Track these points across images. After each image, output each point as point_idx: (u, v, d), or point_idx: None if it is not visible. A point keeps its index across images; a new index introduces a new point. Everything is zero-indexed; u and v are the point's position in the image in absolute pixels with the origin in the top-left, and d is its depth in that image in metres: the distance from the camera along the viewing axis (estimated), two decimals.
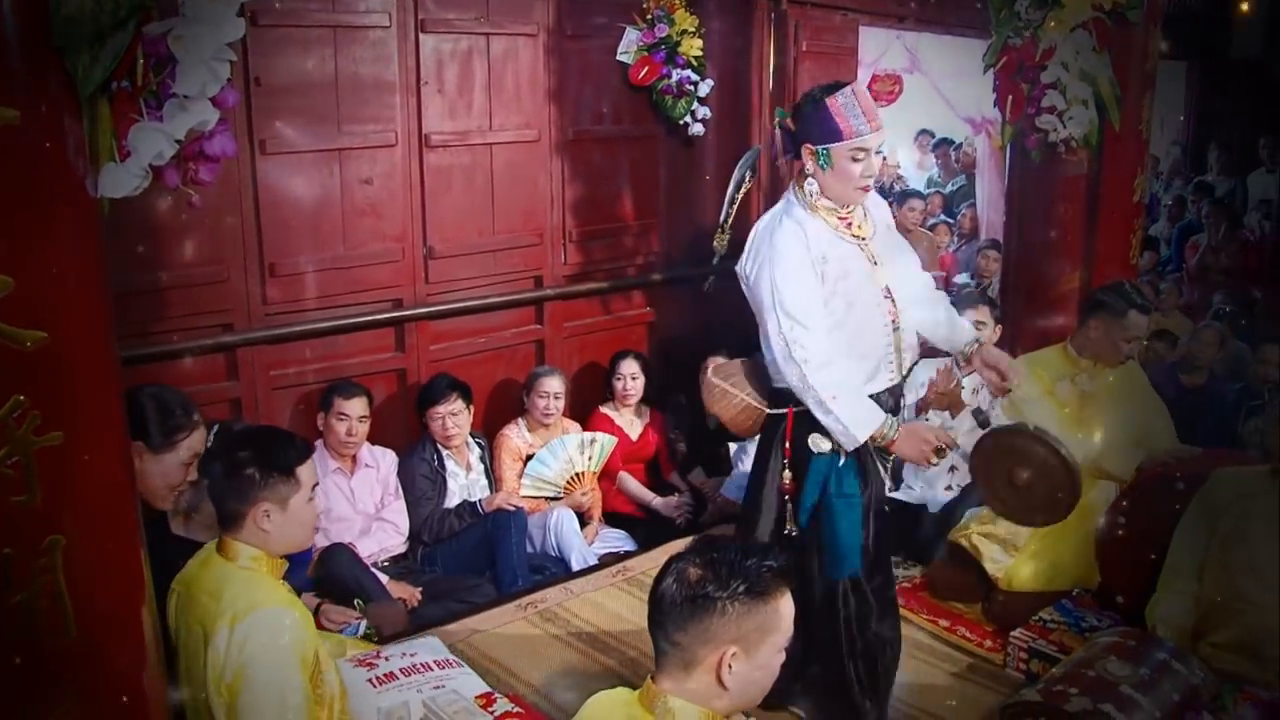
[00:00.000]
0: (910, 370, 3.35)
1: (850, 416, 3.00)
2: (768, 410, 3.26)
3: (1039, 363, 4.23)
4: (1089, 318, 4.13)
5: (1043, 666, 3.62)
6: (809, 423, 3.10)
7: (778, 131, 3.18)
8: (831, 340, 3.03)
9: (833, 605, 3.21)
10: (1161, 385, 5.40)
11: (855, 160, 3.01)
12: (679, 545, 2.11)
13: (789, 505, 3.23)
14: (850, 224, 3.13)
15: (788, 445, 3.20)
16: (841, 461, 3.12)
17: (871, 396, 3.12)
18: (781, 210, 3.15)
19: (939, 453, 3.05)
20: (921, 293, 3.33)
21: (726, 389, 3.31)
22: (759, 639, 1.94)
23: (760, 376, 3.30)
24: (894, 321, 3.17)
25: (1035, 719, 2.88)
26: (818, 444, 3.12)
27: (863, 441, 3.03)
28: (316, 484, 2.63)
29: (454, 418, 4.58)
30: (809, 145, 3.05)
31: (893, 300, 3.17)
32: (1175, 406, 4.62)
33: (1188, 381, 5.86)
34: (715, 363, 3.53)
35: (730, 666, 1.92)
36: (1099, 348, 4.10)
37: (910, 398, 4.29)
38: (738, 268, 3.21)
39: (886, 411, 3.10)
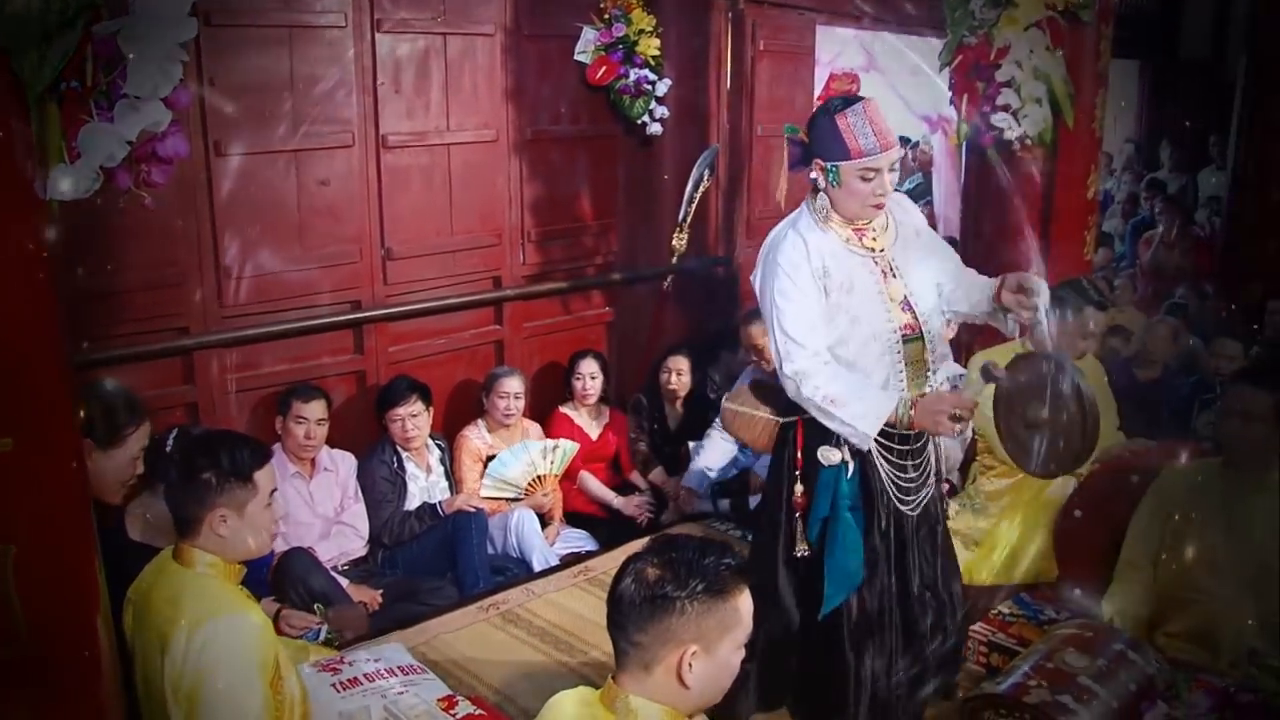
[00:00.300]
0: (939, 378, 3.18)
1: (855, 414, 2.91)
2: (781, 420, 3.22)
3: (996, 360, 4.26)
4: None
5: (1002, 659, 3.64)
6: (819, 433, 3.04)
7: (786, 144, 3.15)
8: (833, 355, 2.99)
9: (836, 630, 3.10)
10: (1117, 379, 5.48)
11: (865, 179, 2.94)
12: (641, 544, 2.10)
13: (800, 522, 3.13)
14: (864, 235, 3.06)
15: (799, 456, 3.13)
16: (849, 474, 3.04)
17: None
18: (789, 222, 3.11)
19: (957, 419, 2.88)
20: (956, 291, 3.18)
21: (746, 412, 3.30)
22: (718, 637, 1.94)
23: (770, 390, 3.29)
24: (906, 333, 3.05)
25: (995, 711, 2.90)
26: (827, 456, 3.04)
27: (875, 434, 2.94)
28: (275, 489, 2.60)
29: (414, 419, 4.56)
30: (819, 161, 3.00)
31: (913, 312, 3.07)
32: (1130, 400, 4.67)
33: (1143, 376, 5.93)
34: (730, 395, 3.49)
35: (690, 665, 1.92)
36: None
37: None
38: (751, 278, 3.18)
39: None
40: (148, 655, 2.43)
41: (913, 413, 2.91)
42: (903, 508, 3.10)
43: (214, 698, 2.32)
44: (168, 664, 2.34)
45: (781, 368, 2.98)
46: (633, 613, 1.93)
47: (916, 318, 3.07)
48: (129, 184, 1.97)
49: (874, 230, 3.08)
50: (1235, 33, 9.83)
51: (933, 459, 3.20)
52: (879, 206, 3.01)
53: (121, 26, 1.80)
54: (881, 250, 3.07)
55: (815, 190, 3.07)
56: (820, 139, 2.99)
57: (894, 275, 3.07)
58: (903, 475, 3.10)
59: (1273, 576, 3.20)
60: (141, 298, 4.09)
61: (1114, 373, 5.65)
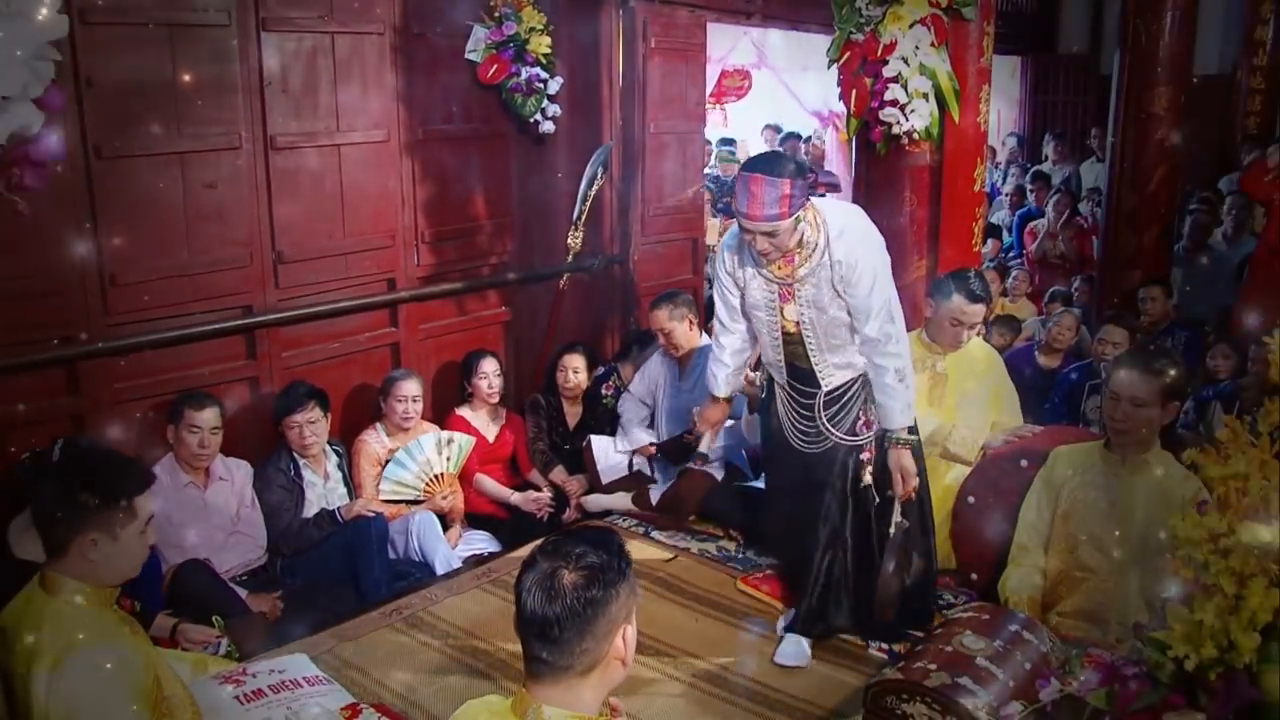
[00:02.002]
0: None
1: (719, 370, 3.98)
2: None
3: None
4: (928, 303, 4.30)
5: (904, 646, 3.72)
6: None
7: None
8: (752, 331, 3.89)
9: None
10: (1021, 368, 5.63)
11: (745, 229, 3.46)
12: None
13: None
14: (773, 267, 3.61)
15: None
16: (763, 393, 4.04)
17: (779, 371, 3.86)
18: (729, 234, 3.76)
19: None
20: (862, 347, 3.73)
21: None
22: (633, 603, 1.99)
23: None
24: (787, 337, 3.74)
25: (897, 696, 2.95)
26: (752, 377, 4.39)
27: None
28: (152, 516, 2.47)
29: (311, 426, 4.48)
30: None
31: (799, 326, 3.68)
32: (1034, 388, 4.80)
33: (1046, 364, 6.11)
34: None
35: (625, 643, 1.97)
36: (935, 332, 4.26)
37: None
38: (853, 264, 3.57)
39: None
40: (19, 689, 2.29)
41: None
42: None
43: None
44: (34, 700, 2.23)
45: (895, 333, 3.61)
46: (572, 626, 1.90)
47: (800, 330, 3.69)
48: (1, 188, 1.89)
49: (785, 262, 3.58)
50: (1110, 27, 10.15)
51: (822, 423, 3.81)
52: (764, 258, 3.54)
53: None
54: (788, 278, 3.61)
55: None
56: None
57: (794, 300, 3.64)
58: (803, 422, 3.85)
59: (1154, 553, 3.32)
60: (20, 306, 3.94)
61: (1018, 361, 5.83)
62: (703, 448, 4.31)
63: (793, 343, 3.75)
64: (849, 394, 3.78)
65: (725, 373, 3.98)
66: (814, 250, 3.53)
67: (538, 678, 1.95)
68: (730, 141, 11.28)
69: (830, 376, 3.76)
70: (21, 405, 3.87)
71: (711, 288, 5.16)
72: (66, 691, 2.22)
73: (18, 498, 3.38)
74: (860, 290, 3.54)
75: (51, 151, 1.92)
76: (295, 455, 4.53)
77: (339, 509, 4.52)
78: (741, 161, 11.24)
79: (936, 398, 4.27)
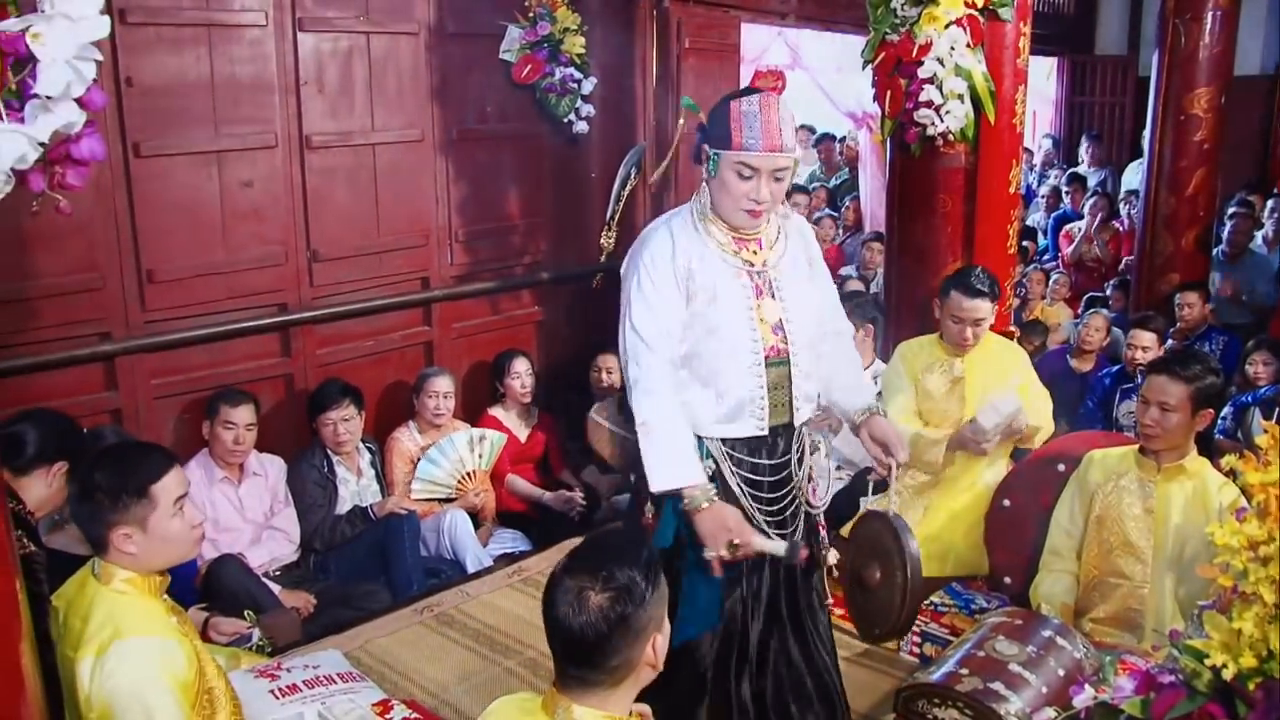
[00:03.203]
0: (803, 414, 2.85)
1: (657, 457, 2.62)
2: (628, 435, 2.86)
3: (910, 351, 4.33)
4: (935, 303, 4.29)
5: (935, 649, 3.70)
6: None
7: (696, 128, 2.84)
8: (687, 368, 2.72)
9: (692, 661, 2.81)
10: (1051, 370, 5.59)
11: (741, 176, 2.64)
12: (575, 543, 2.09)
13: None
14: (745, 245, 2.75)
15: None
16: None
17: (739, 441, 2.76)
18: (668, 216, 2.81)
19: (731, 548, 2.58)
20: (831, 381, 2.96)
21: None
22: (663, 610, 1.99)
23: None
24: (770, 356, 2.74)
25: (929, 700, 2.93)
26: None
27: (662, 490, 2.63)
28: (182, 496, 2.47)
29: (346, 423, 4.52)
30: (706, 146, 2.70)
31: (784, 334, 2.76)
32: (1062, 392, 4.74)
33: (1077, 367, 6.07)
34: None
35: (656, 651, 1.98)
36: (944, 332, 4.22)
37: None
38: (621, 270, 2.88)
39: (762, 459, 2.78)
40: (69, 671, 2.36)
41: (705, 507, 2.60)
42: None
43: None
44: (79, 685, 2.28)
45: (627, 369, 2.70)
46: (602, 648, 1.90)
47: (787, 342, 2.76)
48: (43, 187, 1.91)
49: (766, 241, 2.79)
50: (1149, 27, 10.03)
51: (800, 496, 2.89)
52: (754, 214, 2.69)
53: (30, 24, 1.76)
54: (763, 265, 2.76)
55: (705, 183, 2.76)
56: (713, 123, 2.69)
57: (772, 296, 2.76)
58: (770, 510, 2.81)
59: (1190, 560, 3.28)
60: (61, 302, 4.00)
61: (1050, 365, 5.78)
62: None
63: (775, 364, 2.76)
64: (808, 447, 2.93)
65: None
66: (778, 226, 2.84)
67: (569, 689, 1.96)
68: None
69: (802, 419, 2.86)
70: (62, 400, 3.91)
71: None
72: (108, 677, 2.25)
73: None
74: (823, 268, 2.97)
75: (93, 151, 1.93)
76: (330, 452, 4.56)
77: (371, 506, 4.55)
78: None
79: (955, 400, 4.21)
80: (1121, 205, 8.99)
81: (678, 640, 2.56)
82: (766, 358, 2.73)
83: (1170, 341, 5.87)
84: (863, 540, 3.08)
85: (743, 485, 2.78)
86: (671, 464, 2.63)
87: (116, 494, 2.36)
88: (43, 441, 3.01)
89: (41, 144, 1.83)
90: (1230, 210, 7.51)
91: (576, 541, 2.10)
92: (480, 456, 4.84)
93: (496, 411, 5.22)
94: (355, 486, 4.63)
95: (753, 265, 2.74)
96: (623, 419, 3.02)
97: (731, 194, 2.67)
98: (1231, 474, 2.08)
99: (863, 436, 2.93)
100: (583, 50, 5.37)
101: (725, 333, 2.70)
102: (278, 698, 3.07)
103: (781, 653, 2.90)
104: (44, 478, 2.97)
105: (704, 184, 2.75)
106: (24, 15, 1.80)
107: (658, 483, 2.62)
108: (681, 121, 5.45)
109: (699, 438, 2.73)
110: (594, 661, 1.93)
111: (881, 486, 3.09)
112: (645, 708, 2.14)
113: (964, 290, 4.09)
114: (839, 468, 4.64)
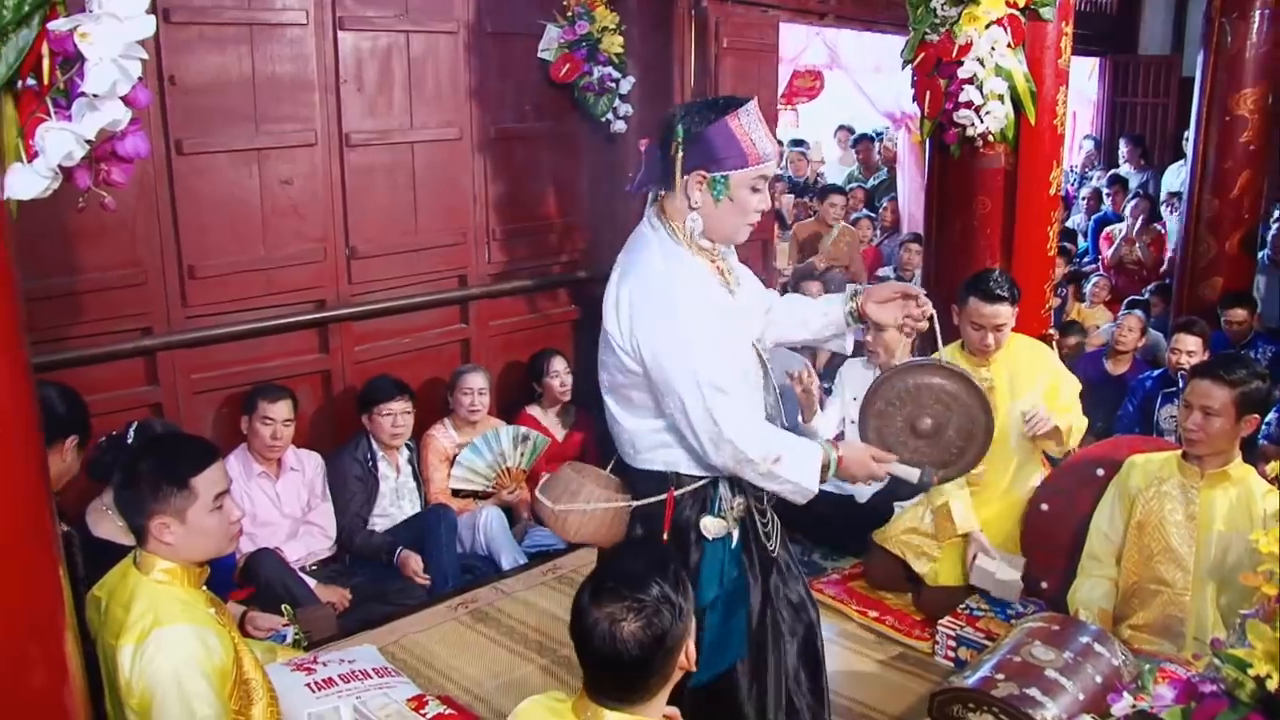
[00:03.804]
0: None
1: (798, 470, 2.53)
2: (635, 504, 2.71)
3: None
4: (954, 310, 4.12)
5: (971, 654, 3.68)
6: (697, 504, 2.64)
7: (644, 158, 2.70)
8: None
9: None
10: (1086, 371, 5.53)
11: (755, 190, 2.54)
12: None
13: None
14: (722, 270, 2.67)
15: (665, 536, 2.63)
16: (734, 544, 2.66)
17: None
18: (659, 255, 2.58)
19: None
20: (773, 314, 2.90)
21: (571, 510, 2.73)
22: (692, 621, 2.01)
23: (592, 471, 2.85)
24: (763, 362, 2.74)
25: (964, 705, 2.91)
26: (711, 528, 2.62)
27: (818, 488, 2.57)
28: (223, 491, 2.49)
29: (404, 416, 4.58)
30: (702, 173, 2.51)
31: (758, 351, 2.72)
32: (1100, 393, 4.68)
33: (1112, 370, 6.02)
34: (544, 486, 2.89)
35: (688, 656, 2.00)
36: (966, 340, 4.09)
37: None
38: (609, 328, 2.65)
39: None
40: (109, 658, 2.40)
41: (837, 454, 2.58)
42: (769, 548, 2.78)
43: (160, 712, 2.29)
44: (119, 674, 2.32)
45: (722, 433, 2.47)
46: (641, 668, 1.91)
47: (762, 356, 2.74)
48: (89, 183, 1.93)
49: (727, 266, 2.70)
50: (1193, 27, 9.92)
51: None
52: (755, 225, 2.64)
53: (79, 24, 1.78)
54: (736, 284, 2.71)
55: (676, 213, 2.60)
56: (710, 148, 2.50)
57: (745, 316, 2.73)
58: (763, 518, 2.79)
59: (1232, 568, 3.24)
60: (103, 297, 4.05)
61: (1085, 368, 5.72)
62: None
63: (766, 367, 2.77)
64: None
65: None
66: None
67: (601, 700, 1.96)
68: (801, 143, 11.22)
69: None
70: (104, 394, 3.96)
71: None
72: (148, 664, 2.29)
73: (97, 479, 3.47)
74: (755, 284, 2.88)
75: (138, 148, 1.95)
76: (374, 446, 4.59)
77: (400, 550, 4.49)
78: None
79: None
80: (1163, 207, 8.89)
81: (709, 676, 2.55)
82: (761, 361, 2.72)
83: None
84: (903, 392, 2.78)
85: (752, 505, 2.72)
86: (806, 465, 2.54)
87: (157, 484, 2.39)
88: (51, 416, 3.01)
89: (88, 141, 1.85)
90: (1276, 213, 7.42)
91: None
92: (523, 455, 4.85)
93: (534, 411, 5.22)
94: (395, 482, 4.66)
95: (728, 286, 2.67)
96: (597, 487, 2.75)
97: (745, 211, 2.57)
98: (1277, 481, 2.05)
99: (871, 310, 2.79)
100: (621, 49, 5.37)
101: (737, 353, 2.63)
102: (314, 691, 3.09)
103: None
104: (58, 454, 2.97)
105: (693, 212, 2.56)
106: (72, 15, 1.82)
107: (812, 484, 2.54)
108: None
109: (711, 479, 2.63)
110: (632, 684, 1.94)
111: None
112: (674, 710, 2.13)
113: (982, 295, 3.96)
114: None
